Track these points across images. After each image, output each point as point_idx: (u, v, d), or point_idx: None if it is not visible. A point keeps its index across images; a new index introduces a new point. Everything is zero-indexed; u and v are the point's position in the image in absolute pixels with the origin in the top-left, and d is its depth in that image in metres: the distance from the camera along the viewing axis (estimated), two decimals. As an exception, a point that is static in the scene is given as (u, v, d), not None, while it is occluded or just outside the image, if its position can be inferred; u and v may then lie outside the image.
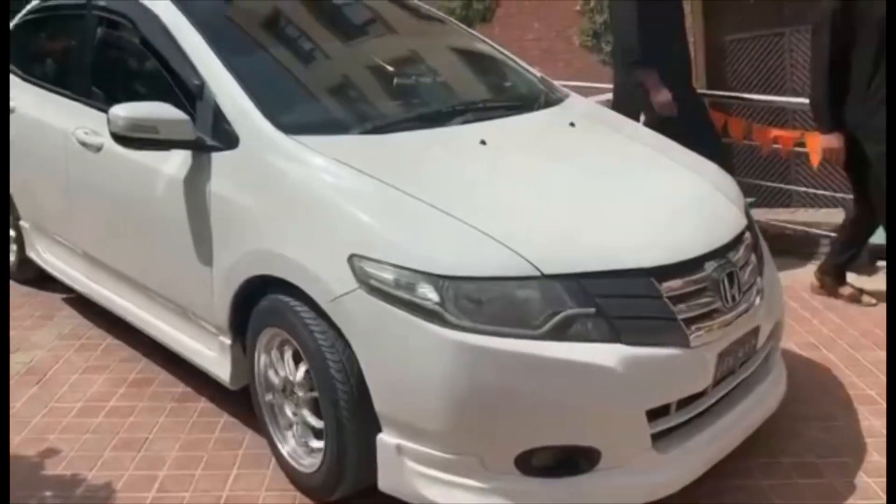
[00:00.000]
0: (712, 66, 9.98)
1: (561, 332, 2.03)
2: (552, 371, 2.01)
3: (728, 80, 9.72)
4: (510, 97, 3.14)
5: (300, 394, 2.40)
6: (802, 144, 4.36)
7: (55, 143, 3.38)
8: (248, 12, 3.11)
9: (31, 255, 3.96)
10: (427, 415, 2.05)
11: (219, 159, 2.56)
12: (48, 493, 2.49)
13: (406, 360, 2.05)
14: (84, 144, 3.17)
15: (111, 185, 3.07)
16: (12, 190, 3.94)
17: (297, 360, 2.41)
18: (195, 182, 2.63)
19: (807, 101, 3.79)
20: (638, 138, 3.01)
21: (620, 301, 2.09)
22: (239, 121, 2.52)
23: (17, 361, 3.37)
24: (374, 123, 2.59)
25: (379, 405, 2.13)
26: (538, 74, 3.48)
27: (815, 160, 4.12)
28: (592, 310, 2.05)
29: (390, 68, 3.08)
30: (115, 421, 2.89)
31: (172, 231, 2.75)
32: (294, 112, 2.63)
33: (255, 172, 2.46)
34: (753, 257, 2.50)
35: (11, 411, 2.95)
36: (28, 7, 3.96)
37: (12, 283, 4.14)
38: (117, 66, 3.26)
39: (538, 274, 2.04)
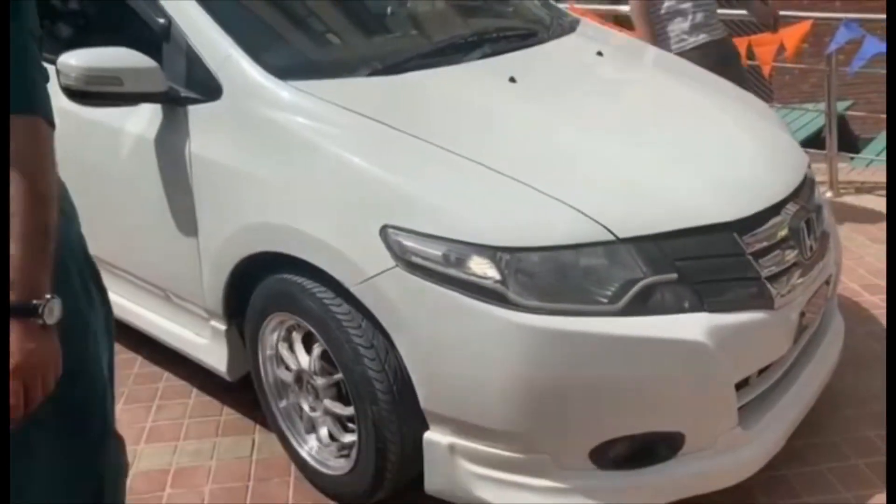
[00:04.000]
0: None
1: (641, 305, 1.73)
2: (633, 351, 1.72)
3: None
4: (521, 24, 2.74)
5: (319, 381, 2.05)
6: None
7: None
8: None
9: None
10: (488, 411, 1.74)
11: (197, 113, 2.12)
12: None
13: (460, 350, 1.73)
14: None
15: (58, 148, 2.59)
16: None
17: (307, 343, 2.06)
18: (168, 141, 2.19)
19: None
20: (670, 68, 2.67)
21: (702, 263, 1.80)
22: (220, 66, 2.08)
23: None
24: (383, 62, 2.17)
25: (426, 402, 1.81)
26: (540, -4, 3.08)
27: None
28: (674, 276, 1.75)
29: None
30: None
31: (141, 200, 2.32)
32: (285, 52, 2.21)
33: (247, 128, 2.03)
34: (817, 197, 2.24)
35: None
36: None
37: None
38: (66, 8, 2.72)
39: (613, 238, 1.72)
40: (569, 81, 2.30)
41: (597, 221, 1.72)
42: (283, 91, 2.01)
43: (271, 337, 2.15)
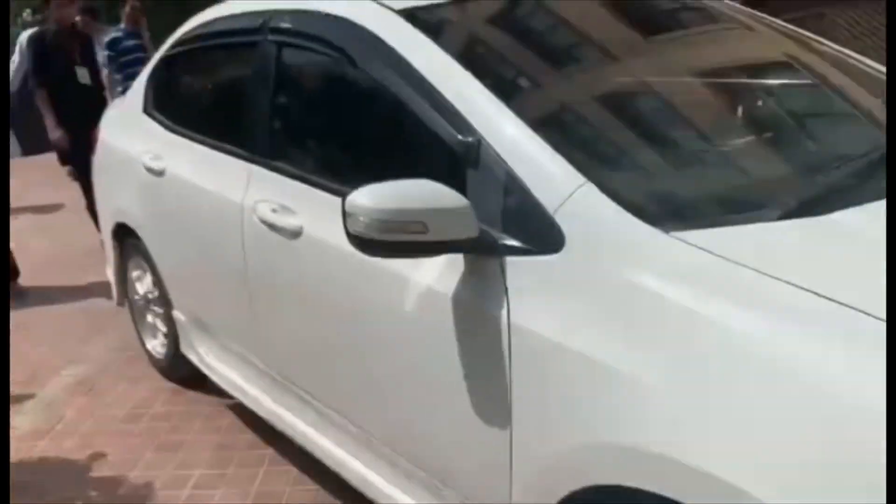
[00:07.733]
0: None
1: None
2: None
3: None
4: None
5: None
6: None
7: (225, 220, 2.46)
8: (531, 29, 2.03)
9: (189, 354, 3.09)
10: None
11: (522, 269, 1.52)
12: (94, 493, 2.67)
13: None
14: (271, 226, 2.22)
15: (319, 290, 2.10)
16: (164, 272, 3.10)
17: None
18: (473, 302, 1.60)
19: None
20: None
21: None
22: (561, 205, 1.47)
23: (68, 374, 3.55)
24: (796, 196, 1.47)
25: None
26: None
27: None
28: None
29: (769, 94, 1.95)
30: (156, 426, 3.06)
31: (428, 372, 1.75)
32: (655, 186, 1.56)
33: (608, 300, 1.39)
34: None
35: (63, 420, 3.16)
36: (176, 37, 3.10)
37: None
38: (316, 113, 2.29)
39: None
40: None
41: None
42: (666, 246, 1.36)
43: None
